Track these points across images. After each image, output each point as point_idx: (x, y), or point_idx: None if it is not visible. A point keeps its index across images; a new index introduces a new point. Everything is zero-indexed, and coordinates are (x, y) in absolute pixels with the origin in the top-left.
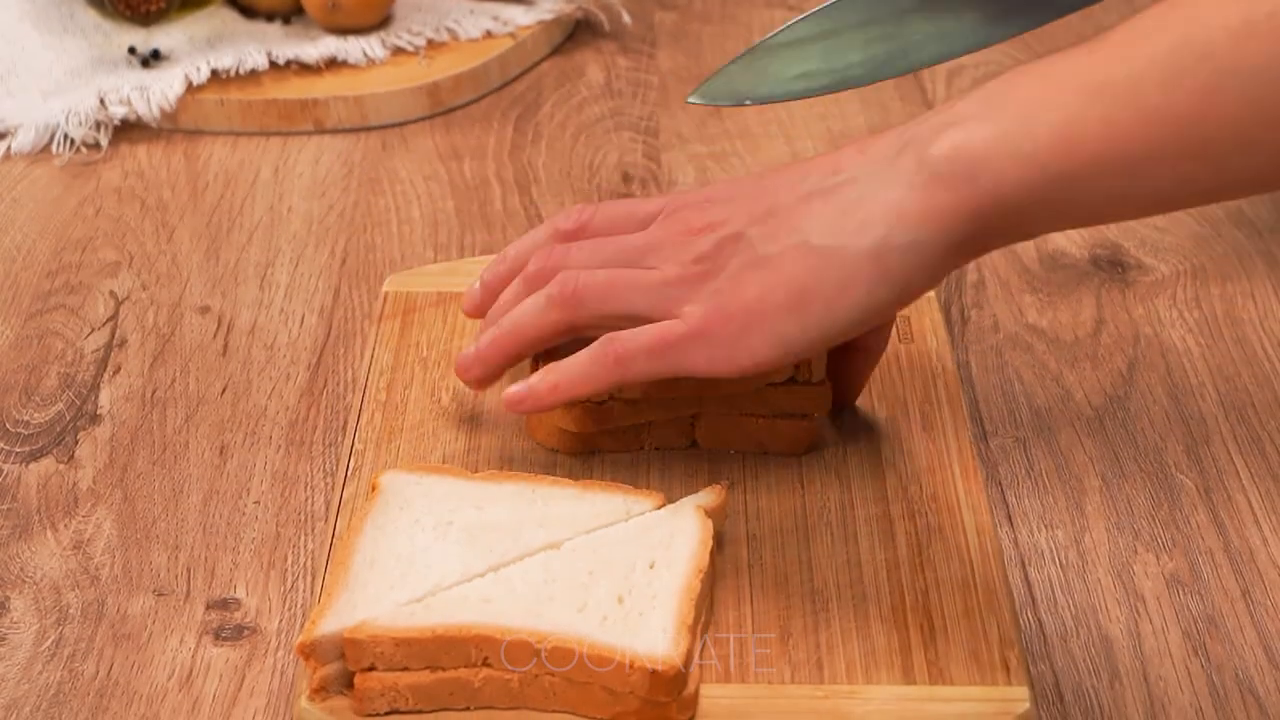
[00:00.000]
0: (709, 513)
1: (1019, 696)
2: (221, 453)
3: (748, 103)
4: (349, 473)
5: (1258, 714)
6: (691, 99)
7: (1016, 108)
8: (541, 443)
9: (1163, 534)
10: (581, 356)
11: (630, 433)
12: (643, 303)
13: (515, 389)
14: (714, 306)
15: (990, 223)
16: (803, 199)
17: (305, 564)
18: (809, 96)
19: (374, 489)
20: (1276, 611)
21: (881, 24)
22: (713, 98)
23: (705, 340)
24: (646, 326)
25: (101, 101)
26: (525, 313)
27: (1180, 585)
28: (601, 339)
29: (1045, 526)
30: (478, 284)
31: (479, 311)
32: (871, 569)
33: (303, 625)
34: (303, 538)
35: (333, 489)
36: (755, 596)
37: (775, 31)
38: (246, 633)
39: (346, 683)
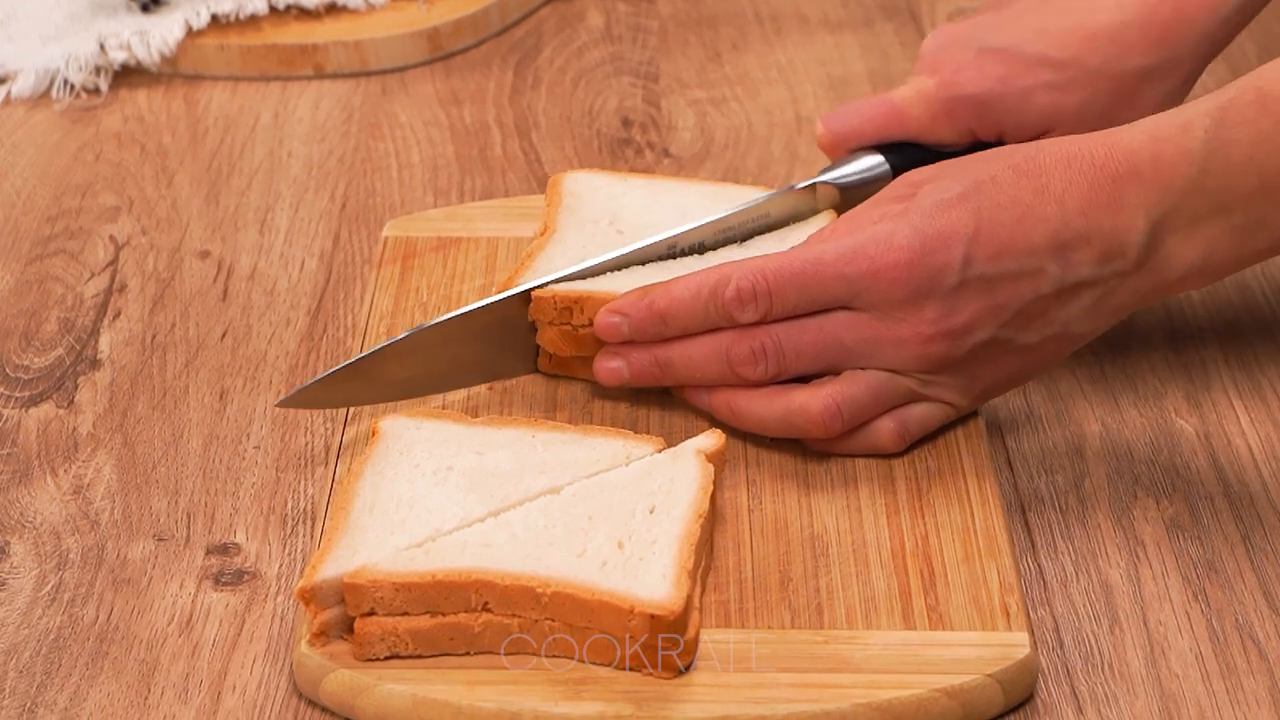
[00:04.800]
0: (709, 457)
1: (1019, 642)
2: (221, 398)
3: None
4: (349, 417)
5: (1257, 658)
6: (279, 404)
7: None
8: None
9: (1163, 479)
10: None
11: None
12: (897, 402)
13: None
14: (972, 391)
15: None
16: (1055, 295)
17: (305, 509)
18: (409, 398)
19: (374, 434)
20: (1276, 556)
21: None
22: (304, 404)
23: (958, 412)
24: (912, 421)
25: (101, 46)
26: (758, 405)
27: (1180, 530)
28: (894, 421)
29: (1045, 471)
30: (624, 322)
31: (623, 340)
32: (871, 514)
33: (303, 570)
34: (302, 483)
35: (333, 434)
36: (755, 542)
37: (377, 346)
38: (246, 578)
39: (346, 628)
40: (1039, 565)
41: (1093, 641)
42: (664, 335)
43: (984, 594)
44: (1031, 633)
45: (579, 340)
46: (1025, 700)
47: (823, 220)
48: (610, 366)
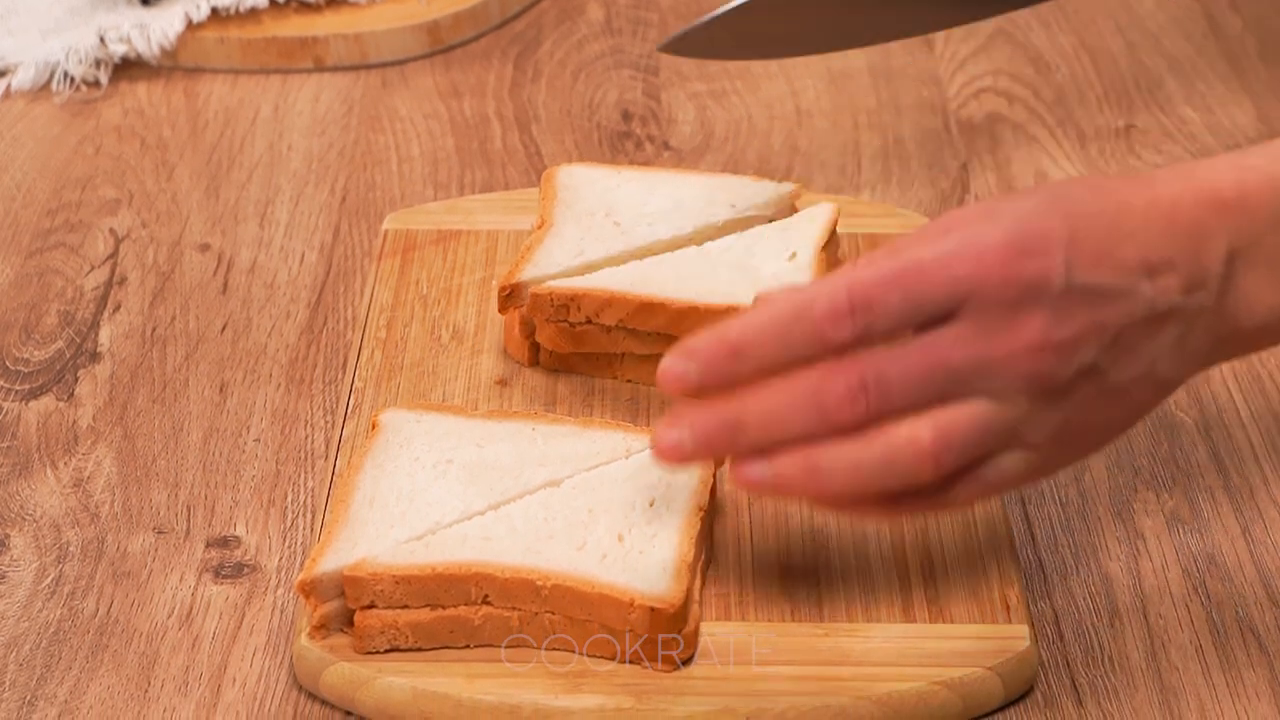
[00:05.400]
0: None
1: (1019, 635)
2: (221, 390)
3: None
4: (349, 410)
5: (1257, 651)
6: (662, 48)
7: None
8: (512, 355)
9: (1162, 472)
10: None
11: (603, 360)
12: (999, 444)
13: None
14: (1059, 441)
15: None
16: (1146, 322)
17: (305, 502)
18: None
19: (374, 427)
20: (1276, 549)
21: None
22: (684, 50)
23: (1038, 471)
24: (993, 473)
25: (101, 39)
26: (849, 452)
27: (1180, 523)
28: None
29: None
30: (690, 366)
31: (696, 392)
32: None
33: (303, 563)
34: (303, 475)
35: (333, 427)
36: (755, 535)
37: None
38: (246, 571)
39: (346, 621)
40: (1039, 558)
41: (1093, 634)
42: (739, 375)
43: (984, 587)
44: (1031, 625)
45: (576, 337)
46: (1025, 693)
47: (823, 213)
48: (669, 440)
